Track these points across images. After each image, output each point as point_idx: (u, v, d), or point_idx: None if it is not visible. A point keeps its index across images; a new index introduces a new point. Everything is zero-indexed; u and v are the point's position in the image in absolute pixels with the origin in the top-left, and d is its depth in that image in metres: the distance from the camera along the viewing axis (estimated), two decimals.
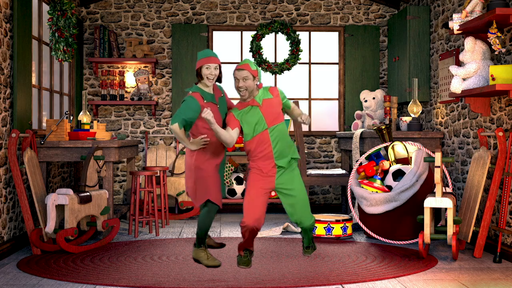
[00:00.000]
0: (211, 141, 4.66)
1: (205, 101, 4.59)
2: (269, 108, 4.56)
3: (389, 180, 6.52)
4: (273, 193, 8.30)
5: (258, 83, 4.56)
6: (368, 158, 6.85)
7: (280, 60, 8.94)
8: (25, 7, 6.13)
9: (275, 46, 8.93)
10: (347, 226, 6.61)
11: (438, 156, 5.44)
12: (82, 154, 6.32)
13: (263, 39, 8.86)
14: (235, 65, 8.91)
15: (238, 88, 4.51)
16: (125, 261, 5.37)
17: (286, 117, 9.04)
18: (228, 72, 8.94)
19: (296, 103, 7.24)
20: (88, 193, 5.95)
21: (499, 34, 5.11)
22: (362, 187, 6.55)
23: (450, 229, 5.38)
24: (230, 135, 4.49)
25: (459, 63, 6.69)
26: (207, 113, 4.32)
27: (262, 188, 4.56)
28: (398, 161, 6.78)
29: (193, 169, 4.64)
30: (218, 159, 4.68)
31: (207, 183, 4.64)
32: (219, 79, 4.74)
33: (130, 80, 8.78)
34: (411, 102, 7.24)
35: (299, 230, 6.99)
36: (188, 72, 8.70)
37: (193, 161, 4.64)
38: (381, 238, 6.29)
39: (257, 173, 4.59)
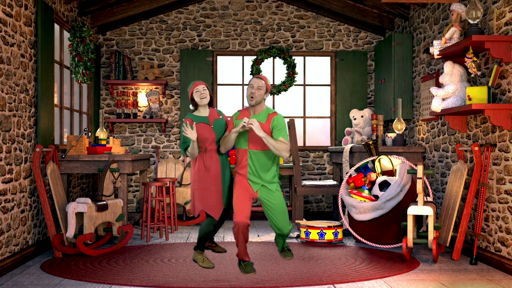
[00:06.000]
0: (210, 153, 4.56)
1: (195, 123, 4.52)
2: (254, 132, 4.39)
3: (376, 190, 6.53)
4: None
5: (266, 98, 4.46)
6: (357, 170, 6.87)
7: (277, 82, 8.97)
8: (48, 34, 6.18)
9: (273, 69, 8.97)
10: (338, 232, 6.62)
11: (420, 169, 5.46)
12: (99, 167, 6.34)
13: (262, 63, 8.91)
14: (237, 86, 8.97)
15: (249, 95, 4.38)
16: (138, 263, 5.38)
17: None
18: (230, 92, 8.98)
19: (292, 122, 7.26)
20: (104, 202, 5.97)
21: (475, 59, 5.14)
22: (352, 197, 6.56)
23: (431, 234, 5.39)
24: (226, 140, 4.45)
25: (439, 85, 6.72)
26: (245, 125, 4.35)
27: (244, 191, 4.42)
28: (384, 173, 6.80)
29: (193, 180, 4.55)
30: (217, 170, 4.55)
31: (204, 195, 4.51)
32: (211, 103, 4.66)
33: (142, 100, 8.82)
34: (395, 120, 7.26)
35: (294, 235, 7.00)
36: None
37: (194, 171, 4.54)
38: (368, 243, 6.30)
39: (239, 178, 4.47)
